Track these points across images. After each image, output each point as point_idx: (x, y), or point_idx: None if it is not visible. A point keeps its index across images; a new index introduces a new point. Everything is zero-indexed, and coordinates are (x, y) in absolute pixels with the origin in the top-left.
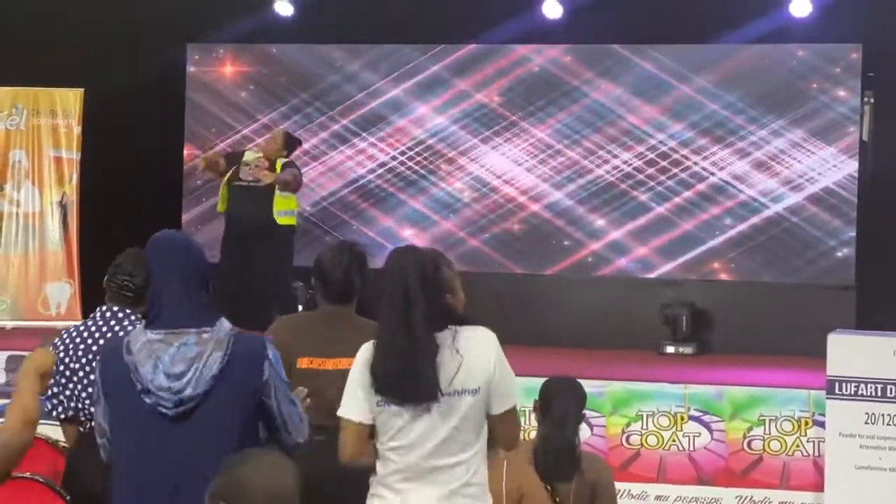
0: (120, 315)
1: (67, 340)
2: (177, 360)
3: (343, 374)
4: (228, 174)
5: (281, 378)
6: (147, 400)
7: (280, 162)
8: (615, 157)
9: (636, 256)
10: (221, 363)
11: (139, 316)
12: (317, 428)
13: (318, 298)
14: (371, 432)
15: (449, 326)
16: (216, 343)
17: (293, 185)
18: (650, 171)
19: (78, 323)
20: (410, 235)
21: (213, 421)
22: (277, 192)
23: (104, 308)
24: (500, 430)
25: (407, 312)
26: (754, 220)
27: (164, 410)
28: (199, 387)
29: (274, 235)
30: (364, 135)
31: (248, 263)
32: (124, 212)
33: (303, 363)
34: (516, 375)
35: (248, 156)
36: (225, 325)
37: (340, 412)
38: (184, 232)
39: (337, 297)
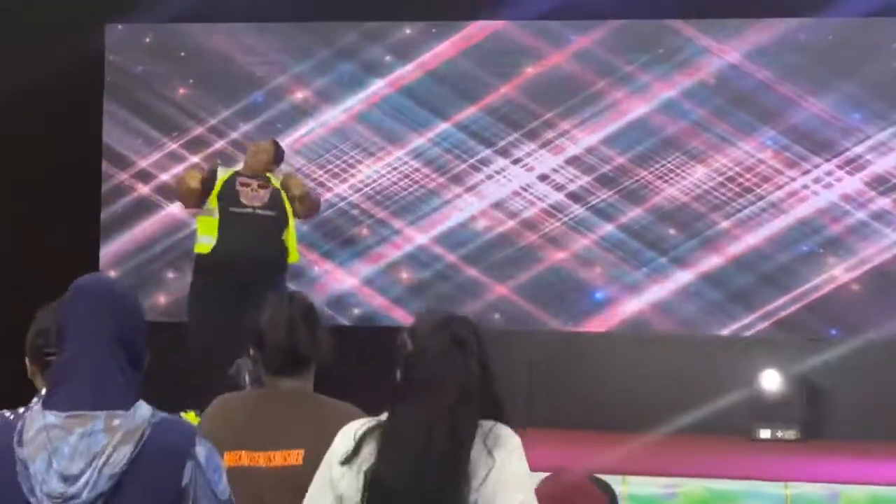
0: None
1: None
2: (77, 454)
3: (286, 474)
4: (213, 196)
5: (209, 486)
6: None
7: (275, 179)
8: (685, 172)
9: (715, 306)
10: (129, 460)
11: None
12: None
13: (262, 372)
14: None
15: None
16: (127, 433)
17: (316, 206)
18: (732, 189)
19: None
20: (408, 283)
21: None
22: (292, 228)
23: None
24: None
25: (456, 413)
26: (872, 253)
27: None
28: (97, 490)
29: (280, 279)
30: (342, 146)
31: (245, 317)
32: (23, 247)
33: (231, 459)
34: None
35: (225, 172)
36: (143, 409)
37: None
38: (118, 279)
39: (282, 368)
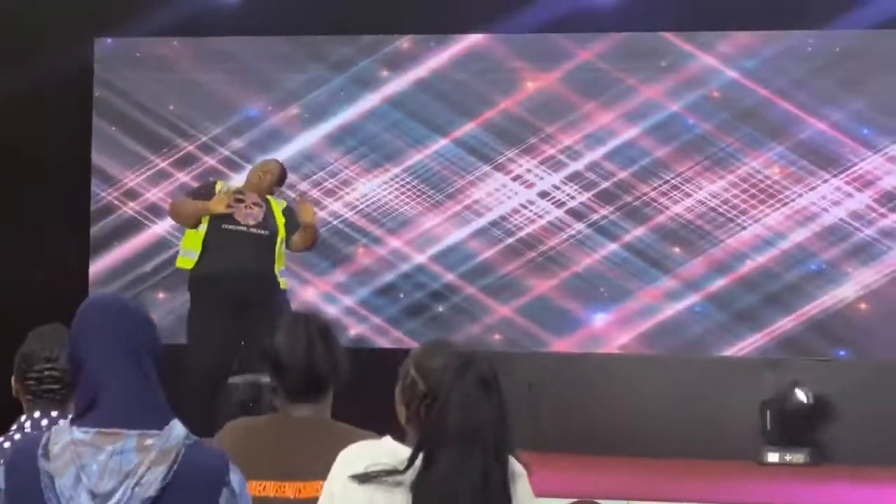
0: (61, 423)
1: None
2: (108, 472)
3: None
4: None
5: None
6: None
7: (279, 203)
8: (690, 189)
9: (723, 326)
10: (163, 482)
11: None
12: None
13: (279, 398)
14: None
15: None
16: (160, 454)
17: (314, 241)
18: (737, 206)
19: None
20: (404, 303)
21: None
22: (282, 244)
23: (36, 415)
24: None
25: (500, 455)
26: (881, 271)
27: None
28: None
29: (279, 300)
30: (336, 163)
31: (246, 339)
32: (9, 266)
33: (254, 489)
34: (559, 497)
35: (227, 189)
36: (178, 429)
37: None
38: (128, 296)
39: (302, 393)
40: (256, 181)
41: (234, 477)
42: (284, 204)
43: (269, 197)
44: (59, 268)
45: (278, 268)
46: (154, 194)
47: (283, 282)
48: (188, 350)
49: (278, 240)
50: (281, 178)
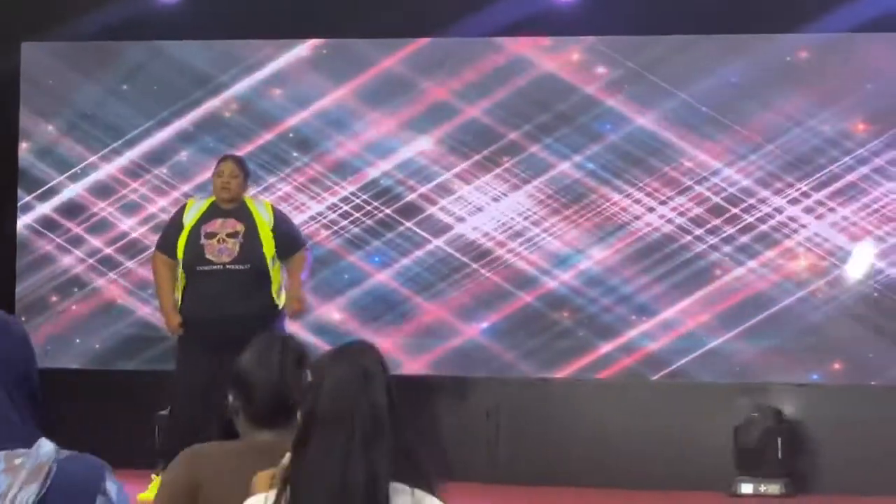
0: None
1: None
2: None
3: None
4: (180, 246)
5: None
6: None
7: (261, 212)
8: (662, 201)
9: (695, 348)
10: (36, 499)
11: None
12: None
13: (240, 422)
14: None
15: (406, 485)
16: (31, 472)
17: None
18: (714, 221)
19: None
20: (354, 324)
21: None
22: (273, 264)
23: None
24: None
25: (369, 447)
26: (856, 290)
27: None
28: None
29: (266, 326)
30: (283, 172)
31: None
32: None
33: None
34: None
35: (196, 211)
36: (47, 446)
37: None
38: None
39: (269, 419)
40: (226, 195)
41: (111, 485)
42: (270, 212)
43: (249, 204)
44: None
45: (276, 289)
46: (87, 204)
47: (293, 302)
48: (171, 387)
49: (268, 262)
50: (246, 173)
